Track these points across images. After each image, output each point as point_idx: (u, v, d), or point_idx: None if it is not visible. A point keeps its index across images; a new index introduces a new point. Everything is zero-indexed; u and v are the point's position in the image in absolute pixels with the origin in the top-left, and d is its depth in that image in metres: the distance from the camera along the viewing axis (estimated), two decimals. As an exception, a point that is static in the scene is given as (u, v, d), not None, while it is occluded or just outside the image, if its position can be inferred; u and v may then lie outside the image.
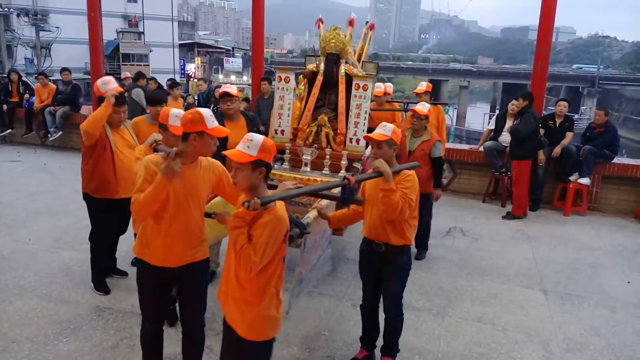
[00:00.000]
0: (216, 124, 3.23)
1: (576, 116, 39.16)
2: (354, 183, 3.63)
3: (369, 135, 3.86)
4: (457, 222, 8.06)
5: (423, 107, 6.15)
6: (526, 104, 8.29)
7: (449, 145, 9.78)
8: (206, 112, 3.23)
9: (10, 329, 4.61)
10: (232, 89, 5.56)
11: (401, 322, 4.21)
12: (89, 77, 12.87)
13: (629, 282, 6.21)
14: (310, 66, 6.15)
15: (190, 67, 59.75)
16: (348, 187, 3.62)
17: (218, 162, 3.49)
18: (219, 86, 10.55)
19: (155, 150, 3.47)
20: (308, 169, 5.74)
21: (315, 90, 5.88)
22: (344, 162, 5.63)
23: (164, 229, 3.35)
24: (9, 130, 12.80)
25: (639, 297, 5.82)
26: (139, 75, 11.17)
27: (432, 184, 6.30)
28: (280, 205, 2.92)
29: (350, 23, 6.59)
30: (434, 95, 8.17)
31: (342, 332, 4.82)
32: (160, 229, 3.36)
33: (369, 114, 5.89)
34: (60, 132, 12.18)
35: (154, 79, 11.85)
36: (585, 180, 8.58)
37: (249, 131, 5.73)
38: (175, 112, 4.17)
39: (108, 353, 4.33)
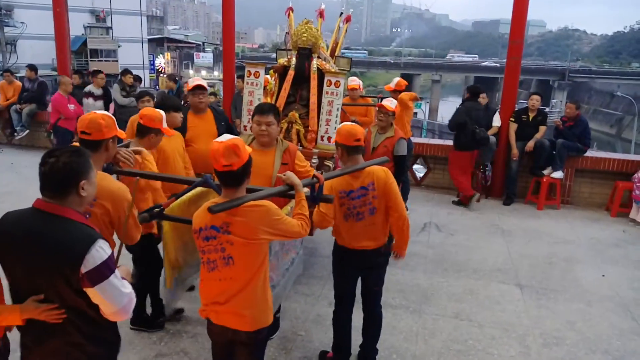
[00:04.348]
0: None
1: (547, 109, 39.62)
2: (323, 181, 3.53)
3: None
4: (432, 218, 8.02)
5: (390, 103, 5.99)
6: (468, 97, 8.75)
7: (422, 140, 9.70)
8: None
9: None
10: (204, 82, 5.64)
11: None
12: (57, 73, 12.54)
13: (603, 276, 6.23)
14: (282, 60, 6.00)
15: (160, 62, 58.94)
16: (318, 185, 3.51)
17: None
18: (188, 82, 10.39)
19: None
20: (277, 167, 5.62)
21: (287, 85, 5.73)
22: (314, 161, 5.49)
23: None
24: (-27, 130, 12.42)
25: (614, 291, 5.85)
26: (125, 72, 10.95)
27: None
28: None
29: (321, 15, 6.45)
30: (407, 90, 8.15)
31: (319, 332, 4.75)
32: None
33: (342, 109, 5.78)
34: (27, 131, 11.82)
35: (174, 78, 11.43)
36: (558, 174, 8.60)
37: (217, 125, 5.67)
38: (164, 115, 4.29)
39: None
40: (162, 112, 4.26)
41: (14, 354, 2.77)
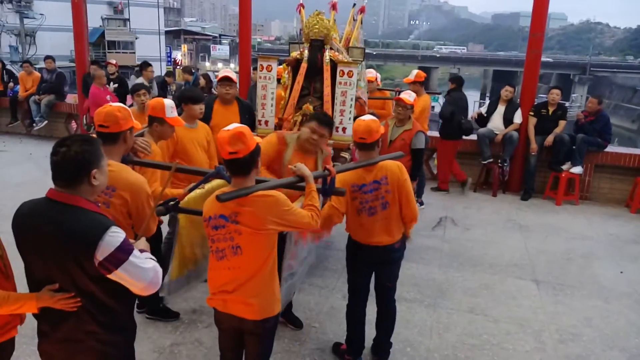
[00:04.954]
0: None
1: (567, 104, 39.10)
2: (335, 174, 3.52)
3: None
4: (448, 212, 7.97)
5: (409, 96, 5.96)
6: (454, 87, 8.91)
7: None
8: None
9: None
10: (232, 74, 5.73)
11: None
12: (74, 65, 12.65)
13: (621, 272, 6.15)
14: (294, 53, 5.94)
15: (177, 55, 59.16)
16: (330, 178, 3.50)
17: None
18: (205, 74, 10.37)
19: None
20: (292, 160, 5.59)
21: (300, 78, 5.69)
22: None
23: None
24: (-7, 120, 12.56)
25: (632, 287, 5.77)
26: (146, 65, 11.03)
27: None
28: None
29: (334, 7, 6.41)
30: (424, 84, 8.13)
31: (333, 324, 4.76)
32: None
33: (360, 100, 5.73)
34: (46, 122, 11.97)
35: (207, 76, 11.52)
36: (577, 169, 8.48)
37: (241, 117, 5.67)
38: (170, 104, 4.18)
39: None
40: (168, 102, 4.20)
41: (32, 340, 2.78)
